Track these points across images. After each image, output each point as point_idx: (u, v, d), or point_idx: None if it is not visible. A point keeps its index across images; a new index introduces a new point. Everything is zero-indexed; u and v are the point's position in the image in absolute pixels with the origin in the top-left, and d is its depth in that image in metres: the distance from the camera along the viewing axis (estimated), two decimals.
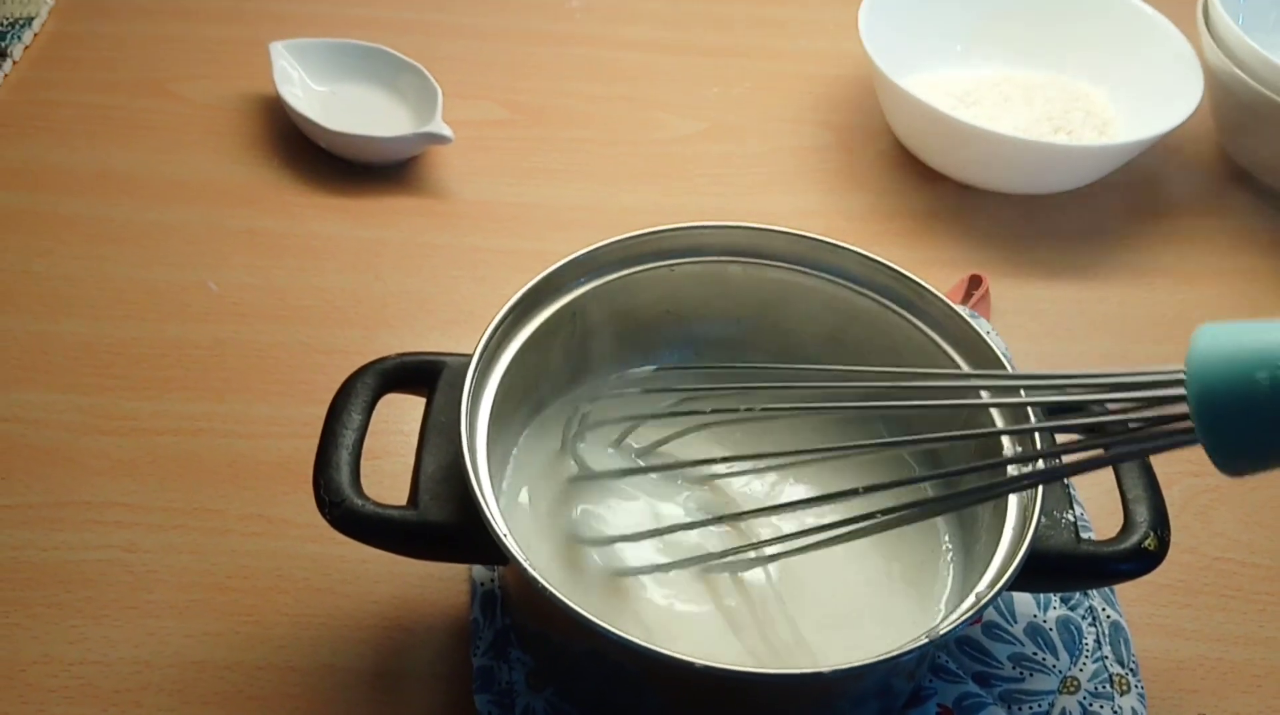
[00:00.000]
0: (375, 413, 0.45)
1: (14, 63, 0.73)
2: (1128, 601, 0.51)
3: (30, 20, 0.75)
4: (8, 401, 0.55)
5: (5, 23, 0.75)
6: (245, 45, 0.74)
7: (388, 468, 0.52)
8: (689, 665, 0.35)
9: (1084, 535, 0.51)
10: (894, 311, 0.49)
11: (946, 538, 0.48)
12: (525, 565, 0.38)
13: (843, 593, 0.46)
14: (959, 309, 0.48)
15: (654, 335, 0.52)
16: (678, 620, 0.44)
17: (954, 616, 0.37)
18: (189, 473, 0.53)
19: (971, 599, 0.39)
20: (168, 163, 0.68)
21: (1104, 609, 0.49)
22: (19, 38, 0.74)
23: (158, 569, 0.49)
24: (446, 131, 0.66)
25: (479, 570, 0.49)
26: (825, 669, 0.35)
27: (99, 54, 0.75)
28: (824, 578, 0.46)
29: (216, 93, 0.72)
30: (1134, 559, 0.42)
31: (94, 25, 0.77)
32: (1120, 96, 0.75)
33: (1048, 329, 0.65)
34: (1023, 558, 0.39)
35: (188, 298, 0.60)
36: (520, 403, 0.49)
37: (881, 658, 0.36)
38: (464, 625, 0.48)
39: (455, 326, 0.60)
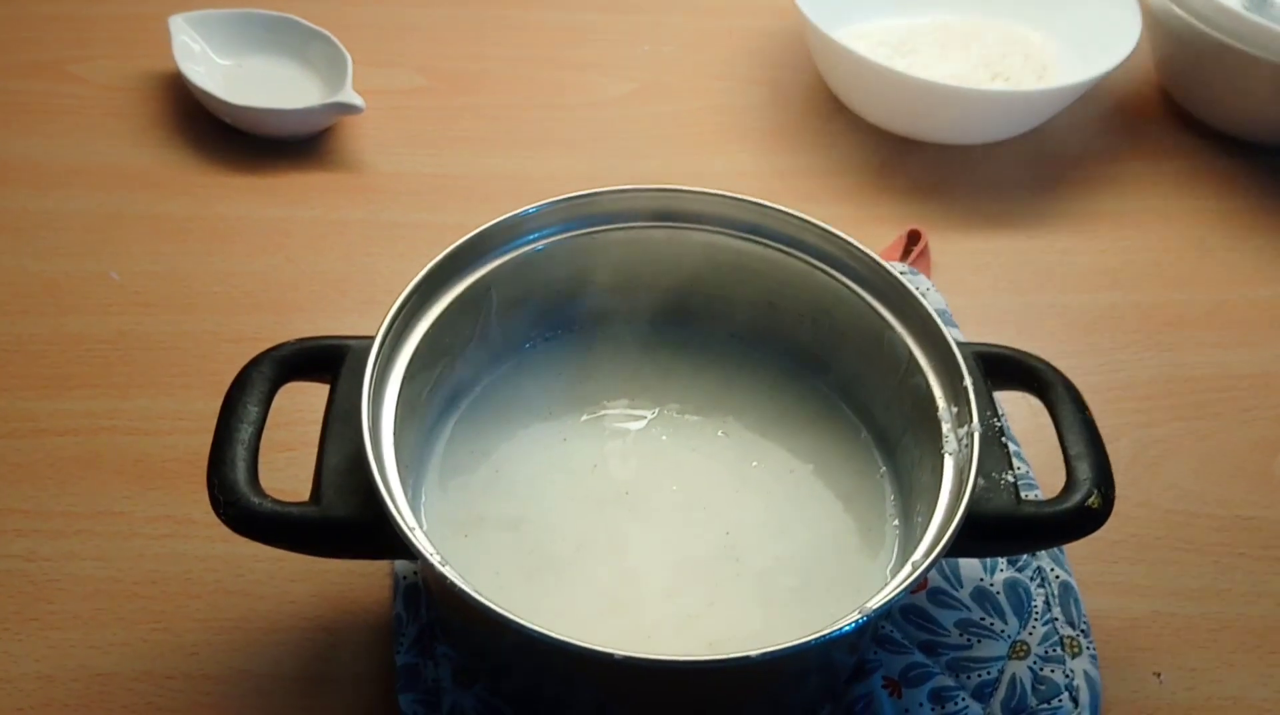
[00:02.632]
0: (289, 401, 0.42)
1: None
2: (1077, 560, 0.49)
3: None
4: None
5: None
6: (147, 20, 0.71)
7: (304, 459, 0.49)
8: (608, 657, 0.33)
9: (1029, 494, 0.49)
10: (823, 271, 0.47)
11: (891, 500, 0.46)
12: (433, 560, 0.35)
13: (791, 559, 0.44)
14: (889, 264, 0.45)
15: (577, 307, 0.50)
16: (613, 599, 0.42)
17: (887, 590, 0.35)
18: (91, 475, 0.50)
19: (907, 569, 0.37)
20: (65, 148, 0.64)
21: (1053, 569, 0.48)
22: None
23: (59, 578, 0.47)
24: (357, 101, 0.62)
25: (401, 564, 0.47)
26: (753, 654, 0.33)
27: None
28: (772, 543, 0.44)
29: (117, 72, 0.69)
30: (1077, 519, 0.40)
31: None
32: (1059, 39, 0.73)
33: (990, 282, 0.63)
34: (959, 523, 0.37)
35: (88, 289, 0.57)
36: (438, 385, 0.46)
37: (810, 639, 0.34)
38: (387, 622, 0.46)
39: (373, 307, 0.57)
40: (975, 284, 0.62)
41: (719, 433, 0.48)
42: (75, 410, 0.52)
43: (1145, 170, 0.70)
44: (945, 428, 0.41)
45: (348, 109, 0.63)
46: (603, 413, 0.49)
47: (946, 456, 0.41)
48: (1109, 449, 0.43)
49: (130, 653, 0.45)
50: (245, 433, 0.40)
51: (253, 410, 0.40)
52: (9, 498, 0.49)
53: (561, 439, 0.48)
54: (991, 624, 0.46)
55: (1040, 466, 0.52)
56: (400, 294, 0.43)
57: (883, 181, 0.67)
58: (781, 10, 0.78)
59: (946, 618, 0.46)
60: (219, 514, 0.38)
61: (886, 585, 0.36)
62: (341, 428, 0.40)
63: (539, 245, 0.47)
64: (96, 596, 0.46)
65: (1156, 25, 0.70)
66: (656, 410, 0.49)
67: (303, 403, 0.44)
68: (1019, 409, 0.54)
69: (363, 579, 0.47)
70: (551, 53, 0.74)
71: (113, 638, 0.45)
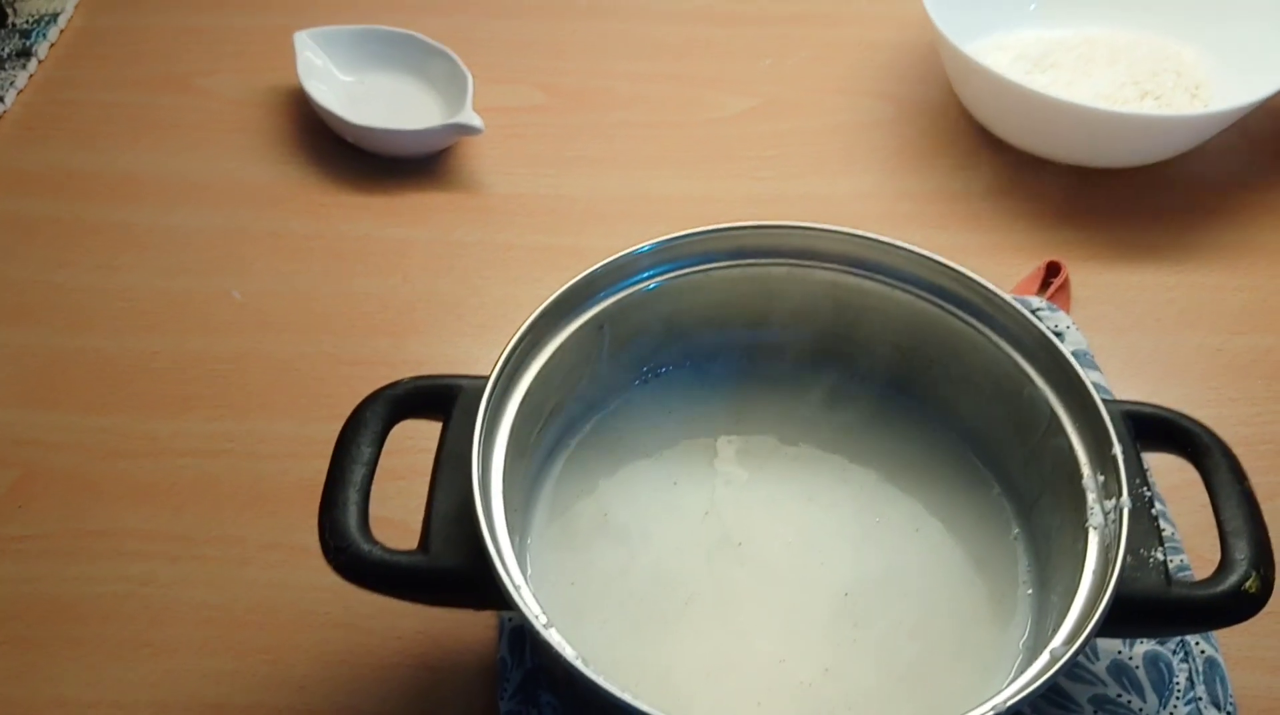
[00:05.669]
0: (402, 428, 0.41)
1: (39, 62, 0.71)
2: (1224, 634, 0.45)
3: (56, 16, 0.73)
4: (27, 423, 0.53)
5: (31, 20, 0.73)
6: (272, 34, 0.71)
7: (413, 489, 0.48)
8: None
9: (1174, 560, 0.46)
10: (958, 317, 0.44)
11: (1025, 565, 0.43)
12: (537, 625, 0.34)
13: (915, 625, 0.42)
14: (1025, 307, 0.43)
15: (690, 344, 0.48)
16: (724, 658, 0.41)
17: (1022, 684, 0.33)
18: (208, 498, 0.50)
19: (1046, 658, 0.34)
20: (190, 163, 0.65)
21: (1197, 643, 0.44)
22: (44, 35, 0.72)
23: (174, 603, 0.47)
24: (477, 122, 0.62)
25: None
26: None
27: (123, 49, 0.72)
28: (894, 606, 0.42)
29: (241, 86, 0.70)
30: (1232, 603, 0.37)
31: (119, 18, 0.75)
32: (1214, 56, 0.68)
33: (1135, 320, 0.59)
34: (1104, 609, 0.34)
35: (211, 308, 0.58)
36: (548, 424, 0.45)
37: None
38: (491, 664, 0.45)
39: (487, 331, 0.57)
40: (1117, 320, 0.59)
41: (839, 482, 0.46)
42: (195, 431, 0.53)
43: None
44: (1090, 498, 0.38)
45: (467, 130, 0.62)
46: (715, 455, 0.47)
47: (1091, 530, 0.38)
48: (1263, 509, 0.39)
49: (241, 684, 0.45)
50: (358, 474, 0.39)
51: (366, 451, 0.40)
52: (129, 519, 0.50)
53: (672, 482, 0.46)
54: (1129, 701, 0.43)
55: (1187, 528, 0.48)
56: (512, 336, 0.41)
57: (1018, 206, 0.64)
58: (911, 22, 0.74)
59: (1080, 693, 0.43)
60: (329, 560, 0.38)
61: (1022, 676, 0.34)
62: (452, 473, 0.40)
63: (651, 283, 0.45)
64: (209, 624, 0.46)
65: None
66: (772, 455, 0.47)
67: (414, 430, 0.44)
68: (1164, 462, 0.50)
69: (469, 617, 0.46)
70: (672, 68, 0.72)
71: (224, 667, 0.45)
